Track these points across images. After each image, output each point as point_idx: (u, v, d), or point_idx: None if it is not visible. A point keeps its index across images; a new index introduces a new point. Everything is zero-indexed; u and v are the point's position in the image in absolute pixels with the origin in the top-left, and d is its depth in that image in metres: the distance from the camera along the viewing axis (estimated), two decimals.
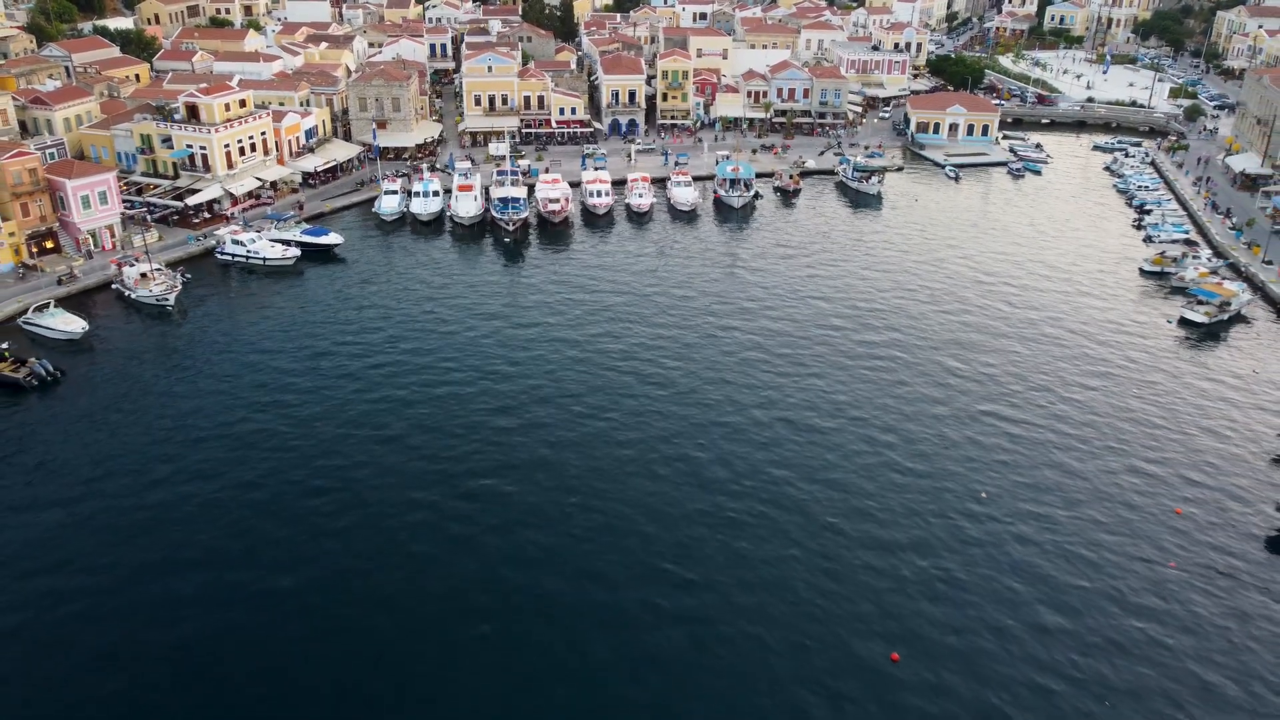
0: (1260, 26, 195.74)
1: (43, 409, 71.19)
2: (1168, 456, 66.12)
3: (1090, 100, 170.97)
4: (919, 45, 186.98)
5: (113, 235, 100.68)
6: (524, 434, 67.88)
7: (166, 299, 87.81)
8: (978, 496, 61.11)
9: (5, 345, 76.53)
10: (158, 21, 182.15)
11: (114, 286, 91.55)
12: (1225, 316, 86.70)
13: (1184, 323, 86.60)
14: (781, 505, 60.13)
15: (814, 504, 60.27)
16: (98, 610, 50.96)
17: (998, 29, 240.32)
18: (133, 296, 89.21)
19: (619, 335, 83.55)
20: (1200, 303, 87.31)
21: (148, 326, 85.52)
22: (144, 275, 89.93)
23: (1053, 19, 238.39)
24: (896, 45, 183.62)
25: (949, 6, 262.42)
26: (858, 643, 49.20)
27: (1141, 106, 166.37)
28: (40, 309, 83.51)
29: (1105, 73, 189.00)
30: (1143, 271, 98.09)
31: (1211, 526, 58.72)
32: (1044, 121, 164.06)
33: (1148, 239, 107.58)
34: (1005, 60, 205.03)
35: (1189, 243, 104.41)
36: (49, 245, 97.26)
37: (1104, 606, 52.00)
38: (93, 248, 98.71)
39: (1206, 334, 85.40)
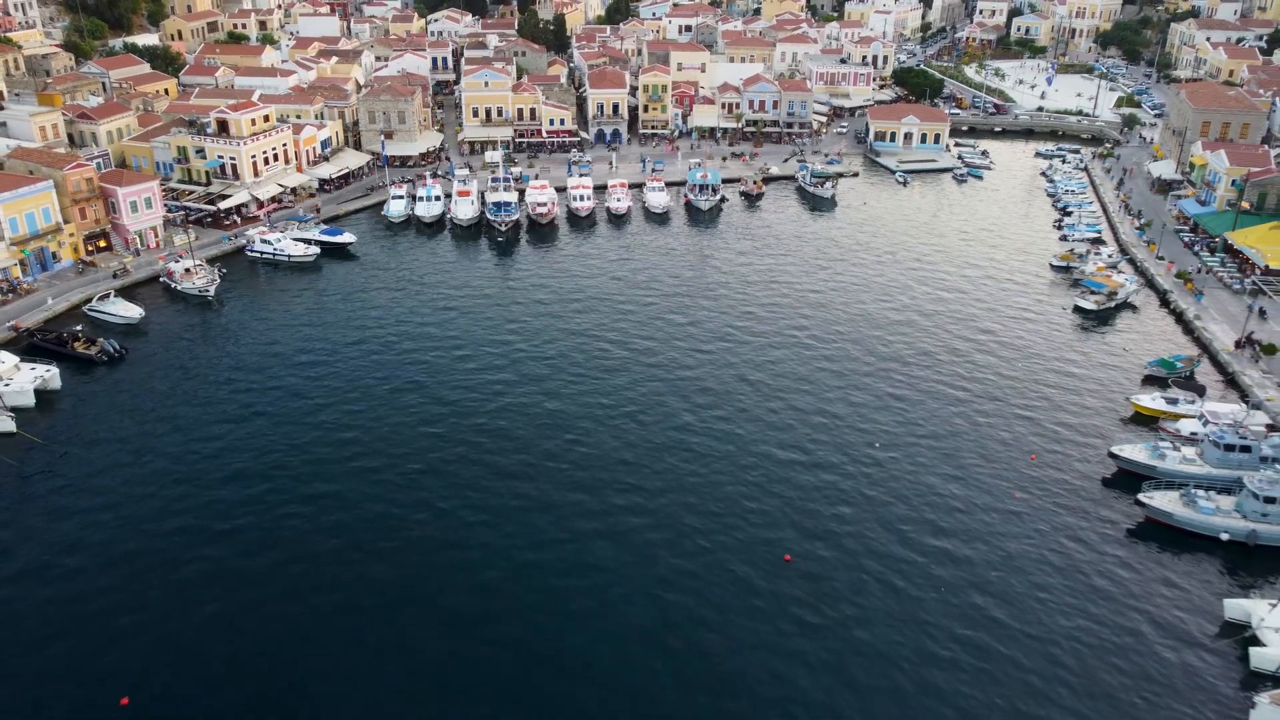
0: (1208, 39, 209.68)
1: (113, 379, 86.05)
2: (1035, 413, 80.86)
3: (1040, 109, 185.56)
4: (885, 58, 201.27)
5: (156, 235, 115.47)
6: (516, 386, 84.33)
7: (207, 290, 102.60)
8: (873, 444, 75.98)
9: (79, 328, 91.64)
10: (180, 38, 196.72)
11: (161, 280, 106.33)
12: (1113, 304, 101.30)
13: (1077, 309, 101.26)
14: (722, 438, 75.75)
15: (750, 437, 75.75)
16: (181, 498, 68.38)
17: (967, 39, 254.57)
18: (178, 288, 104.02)
19: (597, 314, 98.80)
20: (1092, 293, 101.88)
21: (192, 313, 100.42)
22: (187, 270, 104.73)
23: (1019, 29, 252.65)
24: (865, 58, 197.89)
25: (924, 17, 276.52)
26: (761, 543, 64.04)
27: (1087, 115, 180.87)
28: (103, 298, 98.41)
29: (1050, 83, 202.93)
30: (1052, 266, 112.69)
31: (1055, 469, 73.43)
32: (996, 130, 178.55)
33: (1063, 237, 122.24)
34: (969, 70, 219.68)
35: (1096, 241, 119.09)
36: (102, 244, 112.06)
37: (959, 520, 66.69)
38: (140, 246, 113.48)
39: (1097, 319, 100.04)
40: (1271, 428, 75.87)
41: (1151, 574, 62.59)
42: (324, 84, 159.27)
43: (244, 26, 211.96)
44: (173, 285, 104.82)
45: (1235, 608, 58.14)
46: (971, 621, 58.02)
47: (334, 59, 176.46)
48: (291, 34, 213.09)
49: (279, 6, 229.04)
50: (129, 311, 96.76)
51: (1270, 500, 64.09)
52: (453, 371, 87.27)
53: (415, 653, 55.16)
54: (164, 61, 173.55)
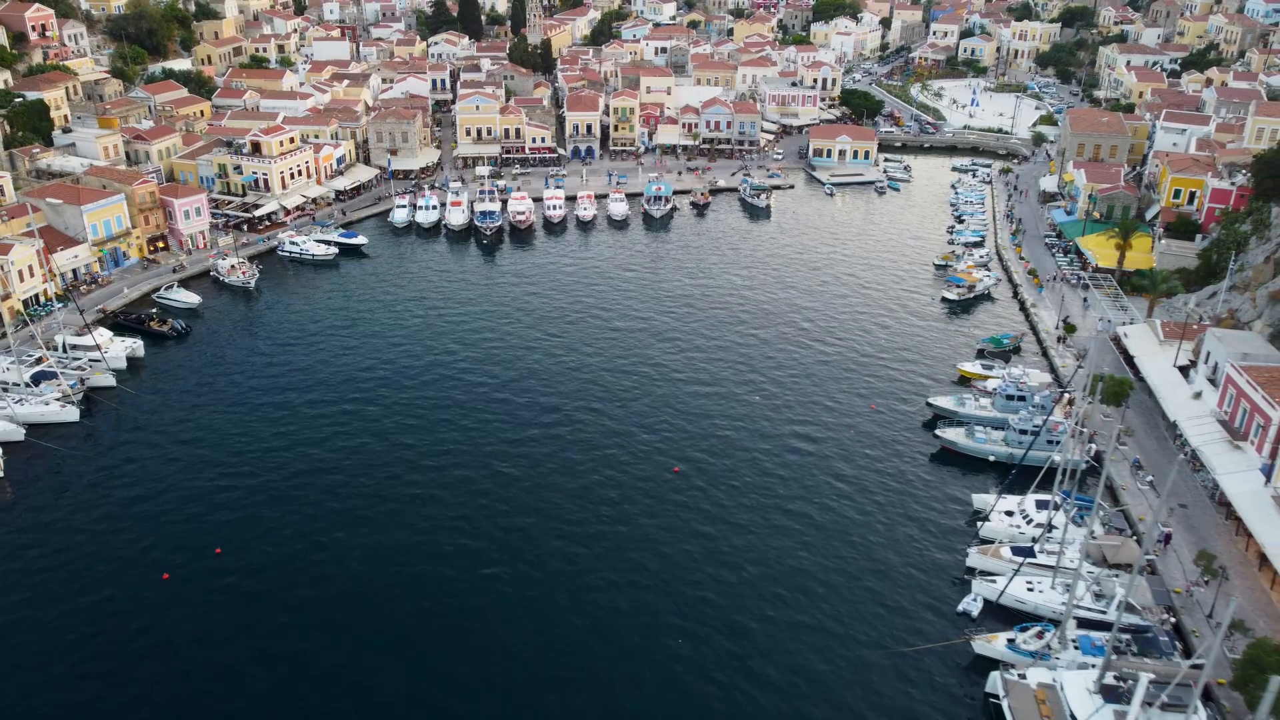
0: (1127, 62, 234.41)
1: (183, 349, 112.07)
2: (884, 375, 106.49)
3: (966, 127, 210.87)
4: (834, 80, 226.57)
5: (204, 238, 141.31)
6: (497, 343, 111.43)
7: (249, 283, 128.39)
8: (753, 395, 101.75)
9: (153, 310, 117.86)
10: (210, 62, 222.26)
11: (211, 274, 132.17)
12: (971, 295, 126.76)
13: (944, 299, 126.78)
14: (648, 392, 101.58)
15: (664, 388, 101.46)
16: (244, 417, 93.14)
17: (919, 59, 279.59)
18: (225, 281, 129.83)
19: (564, 297, 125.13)
20: (955, 286, 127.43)
21: (238, 300, 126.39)
22: (232, 266, 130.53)
23: (966, 50, 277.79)
24: (815, 80, 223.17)
25: (883, 37, 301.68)
26: (652, 460, 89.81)
27: (1005, 133, 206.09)
28: (168, 288, 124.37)
29: (975, 103, 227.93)
30: (934, 264, 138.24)
31: (888, 413, 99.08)
32: (925, 146, 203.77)
33: (950, 241, 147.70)
34: (914, 89, 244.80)
35: (975, 244, 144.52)
36: (161, 245, 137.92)
37: (808, 446, 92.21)
38: (191, 247, 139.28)
39: (959, 307, 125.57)
40: (1056, 384, 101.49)
41: (935, 481, 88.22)
42: (338, 106, 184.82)
43: (264, 50, 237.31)
44: (220, 278, 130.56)
45: (979, 500, 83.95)
46: (807, 503, 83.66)
47: (345, 82, 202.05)
48: (306, 57, 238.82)
49: (294, 31, 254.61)
50: (189, 298, 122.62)
51: (1024, 432, 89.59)
52: (450, 335, 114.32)
53: (422, 523, 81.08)
54: (197, 84, 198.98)
